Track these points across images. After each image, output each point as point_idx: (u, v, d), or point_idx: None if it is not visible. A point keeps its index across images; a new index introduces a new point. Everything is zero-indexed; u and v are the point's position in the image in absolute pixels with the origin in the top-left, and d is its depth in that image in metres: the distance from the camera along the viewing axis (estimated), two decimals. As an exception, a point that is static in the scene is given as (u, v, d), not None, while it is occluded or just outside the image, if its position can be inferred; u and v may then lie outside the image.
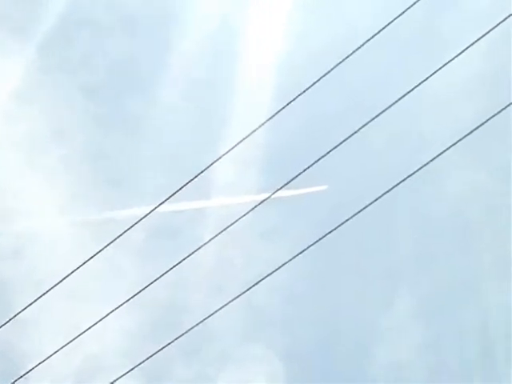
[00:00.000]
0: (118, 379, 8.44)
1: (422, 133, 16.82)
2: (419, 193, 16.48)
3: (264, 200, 7.72)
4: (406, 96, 7.69)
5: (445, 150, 7.83)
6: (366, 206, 7.96)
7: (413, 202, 16.66)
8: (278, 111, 7.70)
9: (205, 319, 8.06)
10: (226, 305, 8.01)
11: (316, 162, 7.86)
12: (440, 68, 7.55)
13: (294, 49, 17.26)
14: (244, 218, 7.84)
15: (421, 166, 7.91)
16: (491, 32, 7.56)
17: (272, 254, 16.45)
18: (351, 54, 7.68)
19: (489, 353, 16.37)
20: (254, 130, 7.60)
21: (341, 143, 7.83)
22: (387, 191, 7.91)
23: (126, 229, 8.25)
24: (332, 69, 7.76)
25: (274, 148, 16.83)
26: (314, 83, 7.79)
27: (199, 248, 7.77)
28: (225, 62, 17.84)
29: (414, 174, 7.86)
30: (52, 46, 18.17)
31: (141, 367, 8.74)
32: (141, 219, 7.81)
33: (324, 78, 7.63)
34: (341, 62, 7.71)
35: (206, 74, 18.01)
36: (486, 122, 7.78)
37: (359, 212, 7.96)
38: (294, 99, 7.87)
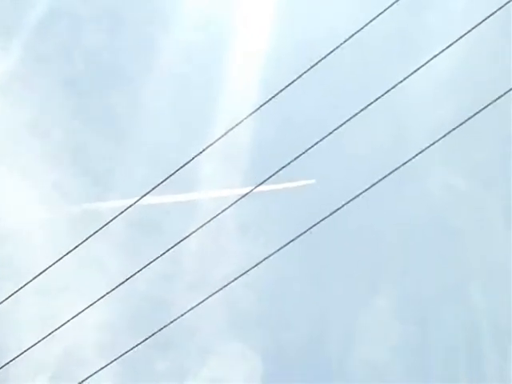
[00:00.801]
0: (97, 372, 8.44)
1: (402, 130, 16.88)
2: (400, 191, 16.53)
3: (246, 194, 7.73)
4: (390, 91, 7.72)
5: (426, 148, 7.86)
6: (346, 203, 7.99)
7: (393, 199, 16.71)
8: (262, 105, 7.71)
9: (185, 313, 8.07)
10: (205, 299, 8.02)
11: (297, 157, 7.87)
12: (423, 65, 7.59)
13: (280, 44, 17.27)
14: (228, 211, 7.85)
15: (401, 164, 7.95)
16: (472, 31, 7.60)
17: (253, 248, 16.48)
18: (334, 50, 7.69)
19: (468, 351, 16.47)
20: (238, 124, 7.61)
21: (322, 139, 7.84)
22: (367, 189, 7.94)
23: (106, 221, 8.24)
24: (316, 63, 7.77)
25: (261, 142, 16.84)
26: (298, 78, 7.81)
27: (180, 241, 7.77)
28: (209, 55, 17.83)
29: (395, 171, 7.89)
30: (31, 38, 18.09)
31: (119, 360, 8.74)
32: (122, 212, 7.81)
33: (309, 74, 7.65)
34: (324, 57, 7.72)
35: (190, 67, 17.99)
36: (465, 121, 7.82)
37: (338, 209, 7.99)
38: (277, 94, 7.88)
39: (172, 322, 7.99)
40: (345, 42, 7.44)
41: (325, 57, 7.72)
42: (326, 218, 7.97)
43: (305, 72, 7.81)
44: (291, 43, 16.95)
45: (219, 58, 17.67)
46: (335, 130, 7.83)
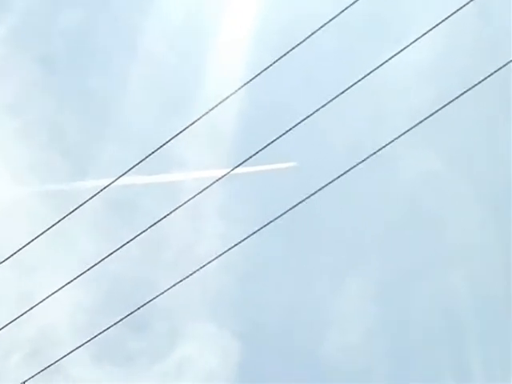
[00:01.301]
0: (71, 352, 8.44)
1: (381, 114, 16.91)
2: (377, 175, 16.57)
3: (223, 176, 7.72)
4: (370, 74, 7.73)
5: (404, 132, 7.88)
6: (322, 188, 8.00)
7: (370, 183, 16.75)
8: (240, 88, 7.70)
9: (160, 294, 8.07)
10: (181, 280, 8.02)
11: (273, 141, 7.87)
12: (402, 49, 7.60)
13: (262, 28, 17.21)
14: (207, 193, 7.84)
15: (377, 149, 7.96)
16: (452, 16, 7.61)
17: (230, 230, 16.48)
18: (312, 34, 7.67)
19: (443, 333, 16.59)
20: (216, 105, 7.59)
21: (299, 123, 7.84)
22: (343, 173, 7.96)
23: (82, 201, 8.22)
24: (293, 48, 7.75)
25: (244, 124, 16.81)
26: (275, 62, 7.79)
27: (156, 222, 7.76)
28: (191, 37, 17.75)
29: (372, 155, 7.91)
30: (6, 16, 17.94)
31: (93, 340, 8.74)
32: (98, 192, 7.79)
33: (290, 57, 7.63)
34: (303, 41, 7.70)
35: (171, 48, 17.89)
36: (442, 107, 7.85)
37: (314, 194, 8.00)
38: (255, 77, 7.87)
39: (148, 302, 7.99)
40: (324, 25, 7.42)
41: (303, 41, 7.71)
42: (301, 202, 7.99)
43: (283, 55, 7.79)
44: (274, 27, 16.88)
45: (201, 40, 17.59)
46: (312, 114, 7.83)
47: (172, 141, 7.71)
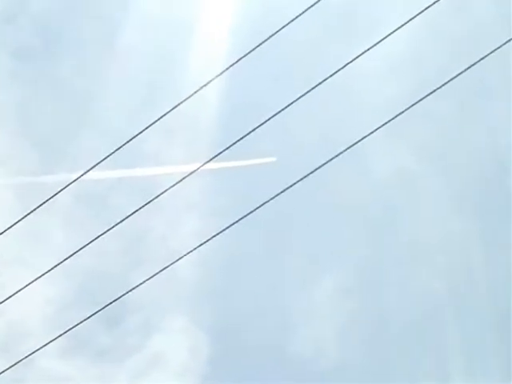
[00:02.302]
0: (42, 347, 8.37)
1: (354, 108, 16.94)
2: (345, 172, 16.61)
3: (194, 171, 7.68)
4: (345, 68, 7.71)
5: (374, 131, 7.88)
6: (295, 183, 7.99)
7: (338, 181, 16.76)
8: (210, 81, 7.65)
9: (133, 288, 8.02)
10: (152, 277, 7.98)
11: (241, 138, 7.84)
12: (377, 43, 7.59)
13: (238, 20, 17.16)
14: (181, 188, 7.80)
15: (350, 145, 7.95)
16: (423, 12, 7.62)
17: (202, 225, 16.46)
18: (284, 26, 7.64)
19: (412, 332, 16.67)
20: (188, 97, 7.54)
21: (269, 119, 7.82)
22: (316, 169, 7.94)
23: (51, 194, 8.15)
24: (264, 41, 7.72)
25: (221, 117, 16.77)
26: (246, 55, 7.75)
27: (128, 217, 7.71)
28: (164, 29, 17.67)
29: (344, 151, 7.90)
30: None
31: (63, 335, 8.69)
32: (68, 185, 7.72)
33: (264, 50, 7.59)
34: (273, 34, 7.67)
35: (146, 39, 17.78)
36: (415, 103, 7.85)
37: (287, 189, 7.98)
38: (226, 69, 7.83)
39: (121, 296, 7.93)
40: (300, 15, 7.39)
41: (274, 33, 7.67)
42: (272, 198, 7.97)
43: (255, 48, 7.75)
44: (249, 21, 16.80)
45: (177, 32, 17.51)
46: (284, 108, 7.81)
47: (149, 135, 7.66)
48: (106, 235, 8.11)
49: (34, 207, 8.32)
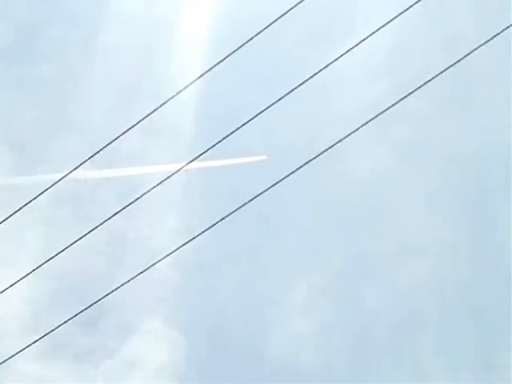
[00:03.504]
0: (21, 351, 8.33)
1: (334, 109, 16.98)
2: (325, 172, 16.64)
3: (178, 170, 7.67)
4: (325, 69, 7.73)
5: (354, 131, 7.90)
6: (275, 184, 8.00)
7: (318, 182, 16.80)
8: (193, 81, 7.64)
9: (111, 292, 7.99)
10: (132, 279, 7.96)
11: (222, 139, 7.84)
12: (358, 44, 7.61)
13: (221, 22, 17.16)
14: (166, 188, 7.79)
15: (331, 144, 7.97)
16: (402, 14, 7.65)
17: (180, 226, 16.44)
18: (263, 29, 7.65)
19: (393, 327, 16.71)
20: (171, 98, 7.53)
21: (250, 120, 7.83)
22: (296, 169, 7.96)
23: (30, 194, 8.13)
24: (244, 43, 7.72)
25: (206, 117, 16.76)
26: (228, 55, 7.75)
27: (109, 218, 7.69)
28: (142, 29, 17.63)
29: (324, 152, 7.91)
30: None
31: (39, 335, 8.67)
32: (50, 186, 7.68)
33: (246, 51, 7.60)
34: (252, 38, 7.67)
35: (127, 40, 17.72)
36: (396, 103, 7.89)
37: (267, 190, 7.99)
38: (207, 71, 7.83)
39: (101, 299, 7.90)
40: (281, 17, 7.40)
41: (254, 36, 7.68)
42: (251, 200, 7.98)
43: (235, 51, 7.76)
44: (230, 23, 16.79)
45: (156, 33, 17.49)
46: (262, 111, 7.81)
47: (130, 135, 7.64)
48: (85, 236, 8.08)
49: (12, 208, 8.27)
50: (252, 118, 7.77)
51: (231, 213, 8.01)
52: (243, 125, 7.55)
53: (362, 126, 7.89)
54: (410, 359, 16.37)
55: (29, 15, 17.81)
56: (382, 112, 7.84)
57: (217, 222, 8.05)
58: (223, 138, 7.59)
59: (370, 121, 7.73)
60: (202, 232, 8.06)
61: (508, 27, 7.57)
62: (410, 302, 16.67)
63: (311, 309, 16.89)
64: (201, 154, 7.93)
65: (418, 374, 16.07)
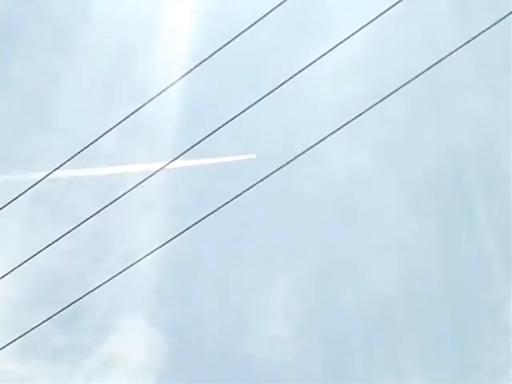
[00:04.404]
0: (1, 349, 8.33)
1: (309, 110, 17.01)
2: (302, 174, 16.69)
3: (158, 170, 7.68)
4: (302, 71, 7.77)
5: (335, 131, 7.95)
6: (253, 186, 8.03)
7: (295, 183, 16.84)
8: (174, 82, 7.67)
9: (91, 291, 8.00)
10: (111, 278, 7.98)
11: (203, 139, 7.88)
12: (335, 46, 7.66)
13: (201, 24, 17.16)
14: (139, 187, 7.80)
15: (308, 147, 8.02)
16: (380, 16, 7.71)
17: (159, 226, 16.44)
18: (241, 32, 7.69)
19: (367, 330, 16.77)
20: (153, 98, 7.56)
21: (225, 123, 7.86)
22: (272, 172, 8.00)
23: (7, 194, 8.12)
24: (224, 45, 7.76)
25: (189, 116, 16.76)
26: (207, 58, 7.79)
27: (90, 217, 7.71)
28: (123, 29, 17.59)
29: (302, 154, 7.96)
30: None
31: (17, 334, 8.67)
32: (32, 187, 7.69)
33: (224, 54, 7.63)
34: (231, 41, 7.71)
35: (93, 37, 17.66)
36: (374, 105, 7.95)
37: (243, 193, 8.03)
38: (186, 74, 7.87)
39: (79, 299, 7.92)
40: (260, 19, 7.45)
41: (234, 38, 7.72)
42: (231, 200, 8.02)
43: (214, 53, 7.79)
44: (215, 20, 16.75)
45: (136, 32, 17.44)
46: (238, 115, 7.85)
47: (113, 135, 7.66)
48: (65, 235, 8.09)
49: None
50: (231, 120, 7.82)
51: (209, 214, 8.05)
52: (218, 129, 7.58)
53: (342, 127, 7.94)
54: (386, 359, 16.44)
55: (8, 13, 17.74)
56: (361, 114, 7.90)
57: (195, 223, 8.09)
58: (201, 140, 7.63)
59: (348, 122, 7.79)
60: (180, 234, 8.10)
61: (486, 30, 7.65)
62: (386, 303, 16.74)
63: (287, 308, 16.94)
64: (180, 156, 7.97)
65: (395, 374, 16.15)
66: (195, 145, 7.91)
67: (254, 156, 15.84)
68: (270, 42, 16.15)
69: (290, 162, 8.01)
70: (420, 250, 16.89)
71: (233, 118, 7.80)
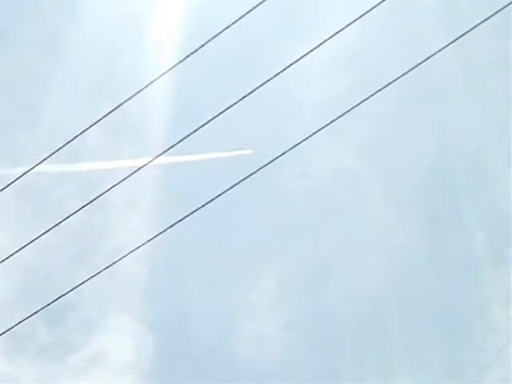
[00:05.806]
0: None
1: (294, 108, 17.01)
2: (287, 173, 16.69)
3: (143, 166, 7.64)
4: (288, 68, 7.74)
5: (316, 132, 7.92)
6: (238, 183, 8.00)
7: (280, 181, 16.84)
8: (157, 77, 7.63)
9: (76, 287, 7.96)
10: (97, 274, 7.93)
11: (188, 135, 7.84)
12: (321, 43, 7.62)
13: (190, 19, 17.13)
14: (124, 183, 7.75)
15: (292, 146, 7.99)
16: (368, 12, 7.68)
17: (144, 222, 16.42)
18: (224, 29, 7.65)
19: (355, 329, 16.78)
20: (139, 91, 7.51)
21: (212, 119, 7.83)
22: (258, 169, 7.97)
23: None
24: (207, 42, 7.72)
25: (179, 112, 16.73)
26: (191, 54, 7.75)
27: (75, 212, 7.65)
28: (109, 24, 17.56)
29: (283, 154, 7.93)
30: None
31: (2, 331, 8.63)
32: (14, 180, 7.63)
33: (210, 51, 7.60)
34: (212, 38, 7.67)
35: (79, 35, 17.61)
36: (359, 104, 7.92)
37: (227, 190, 8.00)
38: (170, 69, 7.82)
39: (64, 295, 7.87)
40: (245, 15, 7.41)
41: (218, 34, 7.68)
42: (217, 197, 7.99)
43: (199, 47, 7.75)
44: (203, 17, 16.72)
45: (122, 28, 17.42)
46: (228, 108, 7.81)
47: (100, 130, 7.61)
48: (54, 230, 8.05)
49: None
50: (212, 119, 7.77)
51: (195, 211, 8.02)
52: (202, 125, 7.54)
53: (326, 125, 7.91)
54: (374, 357, 16.46)
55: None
56: (348, 111, 7.86)
57: (180, 220, 8.05)
58: (185, 137, 7.58)
59: (335, 119, 7.76)
60: (166, 229, 8.07)
61: (475, 27, 7.63)
62: (374, 301, 16.76)
63: (274, 307, 16.94)
64: (164, 152, 7.93)
65: (384, 373, 16.16)
66: (176, 144, 7.85)
67: (250, 151, 15.81)
68: (258, 38, 16.13)
69: (277, 158, 7.98)
70: (408, 248, 16.92)
71: (214, 117, 7.75)
